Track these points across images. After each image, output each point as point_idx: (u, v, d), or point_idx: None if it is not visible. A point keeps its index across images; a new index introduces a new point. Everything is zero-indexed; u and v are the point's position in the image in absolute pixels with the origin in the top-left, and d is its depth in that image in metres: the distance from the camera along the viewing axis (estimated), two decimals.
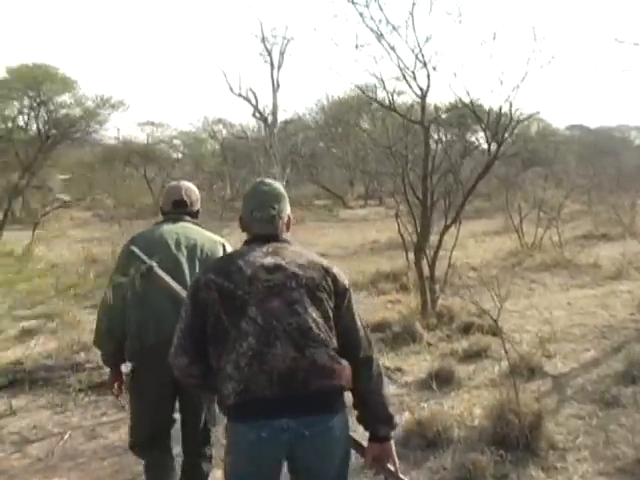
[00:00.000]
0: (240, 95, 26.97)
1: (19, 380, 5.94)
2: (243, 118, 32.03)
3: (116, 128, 26.90)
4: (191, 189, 3.83)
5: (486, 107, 9.32)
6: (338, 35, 7.70)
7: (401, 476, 2.60)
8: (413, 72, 7.88)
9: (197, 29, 50.77)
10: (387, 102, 8.23)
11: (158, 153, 28.47)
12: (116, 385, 3.68)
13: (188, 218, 3.75)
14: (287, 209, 2.70)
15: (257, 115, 26.94)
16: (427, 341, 7.00)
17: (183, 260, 3.52)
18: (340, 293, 2.56)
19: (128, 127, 35.31)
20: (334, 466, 2.49)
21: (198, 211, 3.85)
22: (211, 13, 54.48)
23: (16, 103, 16.39)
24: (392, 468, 2.61)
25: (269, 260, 2.52)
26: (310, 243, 16.12)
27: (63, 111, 16.34)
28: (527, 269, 11.28)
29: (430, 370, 5.89)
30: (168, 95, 54.20)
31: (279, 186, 2.71)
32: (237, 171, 27.14)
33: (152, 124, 28.79)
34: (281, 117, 27.53)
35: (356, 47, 7.79)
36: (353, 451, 2.60)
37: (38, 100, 15.98)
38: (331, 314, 2.51)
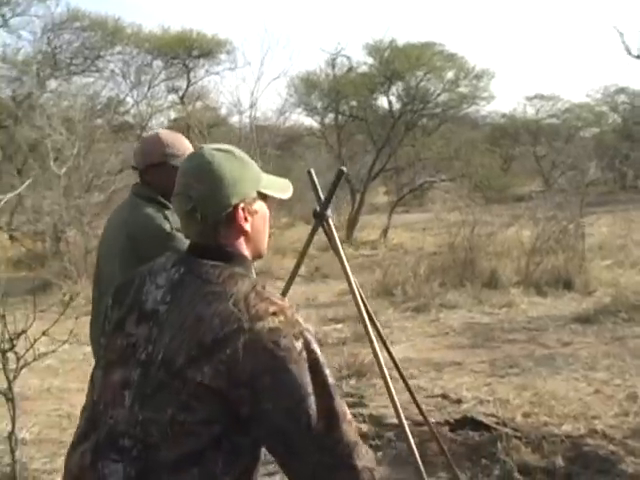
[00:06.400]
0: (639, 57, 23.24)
1: None
2: None
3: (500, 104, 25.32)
4: (144, 141, 2.79)
5: None
6: None
7: None
8: None
9: None
10: None
11: (548, 129, 26.06)
12: None
13: (141, 190, 2.75)
14: (228, 195, 1.52)
15: None
16: None
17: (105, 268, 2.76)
18: (257, 386, 1.39)
19: (516, 102, 33.49)
20: None
21: (149, 167, 2.70)
22: None
23: (370, 83, 15.84)
24: None
25: (154, 298, 1.52)
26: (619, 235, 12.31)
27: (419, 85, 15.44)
28: None
29: None
30: (559, 64, 50.28)
31: (215, 158, 1.53)
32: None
33: (541, 97, 26.54)
34: None
35: None
36: None
37: (389, 74, 15.18)
38: (200, 416, 1.40)
